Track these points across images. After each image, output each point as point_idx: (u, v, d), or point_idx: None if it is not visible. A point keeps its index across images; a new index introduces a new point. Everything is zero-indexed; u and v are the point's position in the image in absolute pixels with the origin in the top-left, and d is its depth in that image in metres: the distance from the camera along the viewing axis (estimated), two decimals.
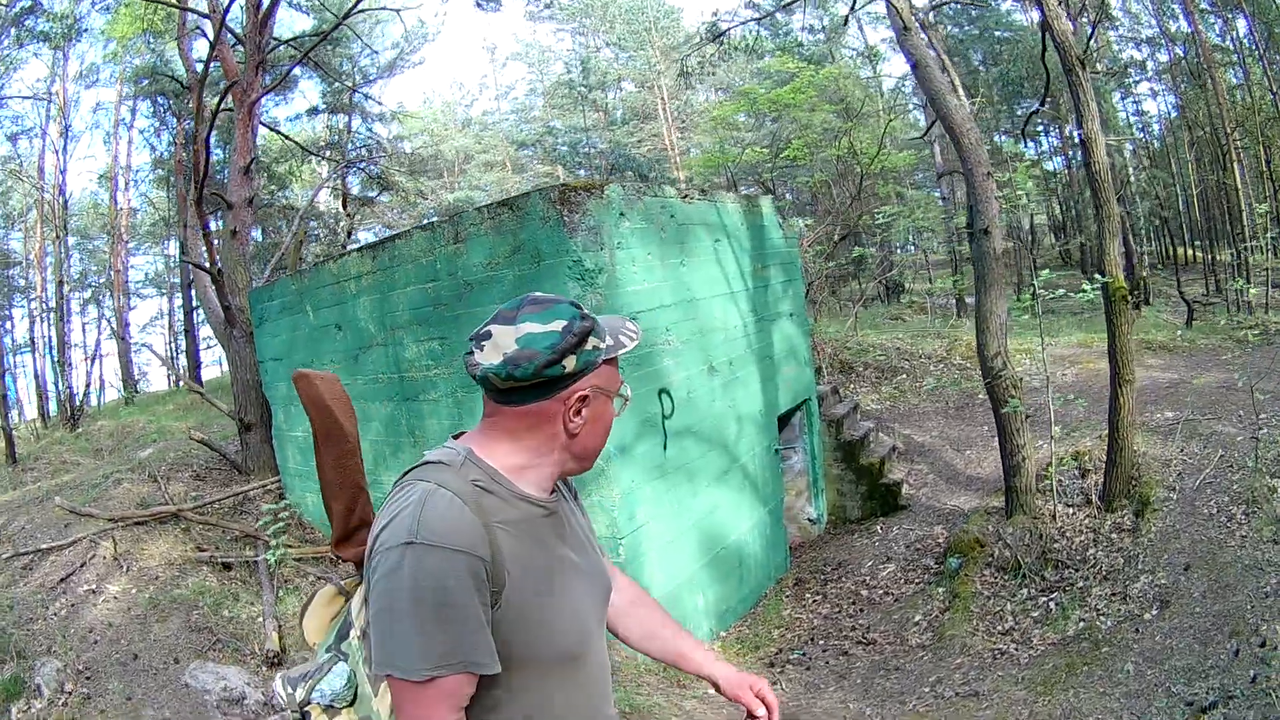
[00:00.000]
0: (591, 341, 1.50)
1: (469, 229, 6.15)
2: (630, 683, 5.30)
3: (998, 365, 7.09)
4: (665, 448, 6.01)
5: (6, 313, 26.68)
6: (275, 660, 5.79)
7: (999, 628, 5.92)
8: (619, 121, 37.49)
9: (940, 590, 6.69)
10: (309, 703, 1.57)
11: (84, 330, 30.47)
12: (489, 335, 1.48)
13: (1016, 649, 5.56)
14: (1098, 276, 6.79)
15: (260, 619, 6.37)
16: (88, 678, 5.64)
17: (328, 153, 22.68)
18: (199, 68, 11.21)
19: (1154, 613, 5.24)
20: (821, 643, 6.55)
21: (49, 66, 22.17)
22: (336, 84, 22.75)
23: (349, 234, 22.66)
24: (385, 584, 1.33)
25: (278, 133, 18.77)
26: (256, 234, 22.89)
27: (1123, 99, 28.81)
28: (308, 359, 8.38)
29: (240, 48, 11.35)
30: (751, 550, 7.35)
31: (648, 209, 6.11)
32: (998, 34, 26.39)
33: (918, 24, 7.93)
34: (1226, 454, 6.63)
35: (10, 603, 6.78)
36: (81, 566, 7.32)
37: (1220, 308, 15.22)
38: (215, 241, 10.61)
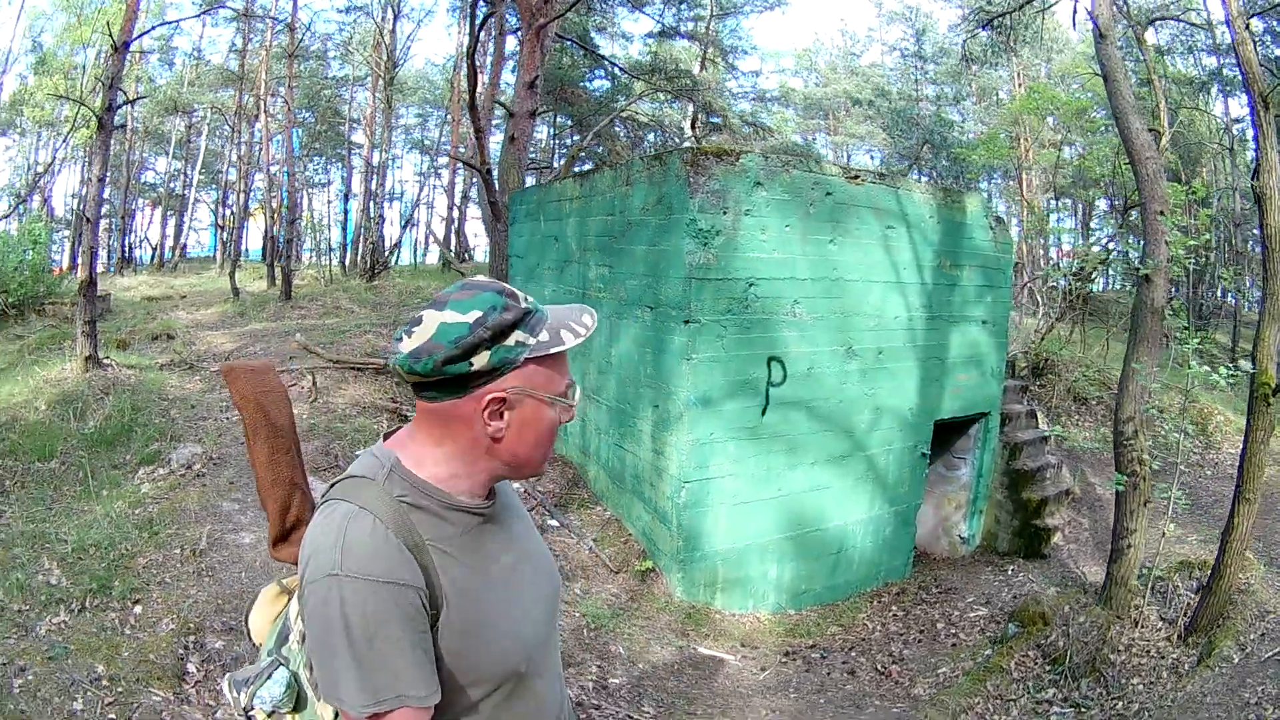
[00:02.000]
0: (514, 337, 1.45)
1: (635, 174, 7.20)
2: None
3: (1128, 432, 6.73)
4: (764, 412, 6.70)
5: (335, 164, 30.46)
6: None
7: (992, 717, 5.88)
8: (948, 97, 38.07)
9: (988, 654, 6.68)
10: (252, 709, 1.59)
11: (416, 194, 34.83)
12: (419, 320, 1.46)
13: None
14: (1244, 364, 6.19)
15: None
16: (214, 464, 7.36)
17: (652, 76, 24.23)
18: None
19: None
20: (854, 655, 6.84)
21: None
22: (686, 10, 24.13)
23: None
24: (317, 618, 1.35)
25: (586, 48, 20.51)
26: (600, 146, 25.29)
27: None
28: (536, 262, 9.93)
29: None
30: (858, 543, 7.81)
31: (794, 182, 6.72)
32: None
33: (1118, 34, 7.55)
34: None
35: (196, 402, 8.88)
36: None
37: None
38: (487, 143, 12.27)
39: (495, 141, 18.94)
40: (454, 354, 1.40)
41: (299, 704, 1.58)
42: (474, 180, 23.91)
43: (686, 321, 6.27)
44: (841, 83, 45.06)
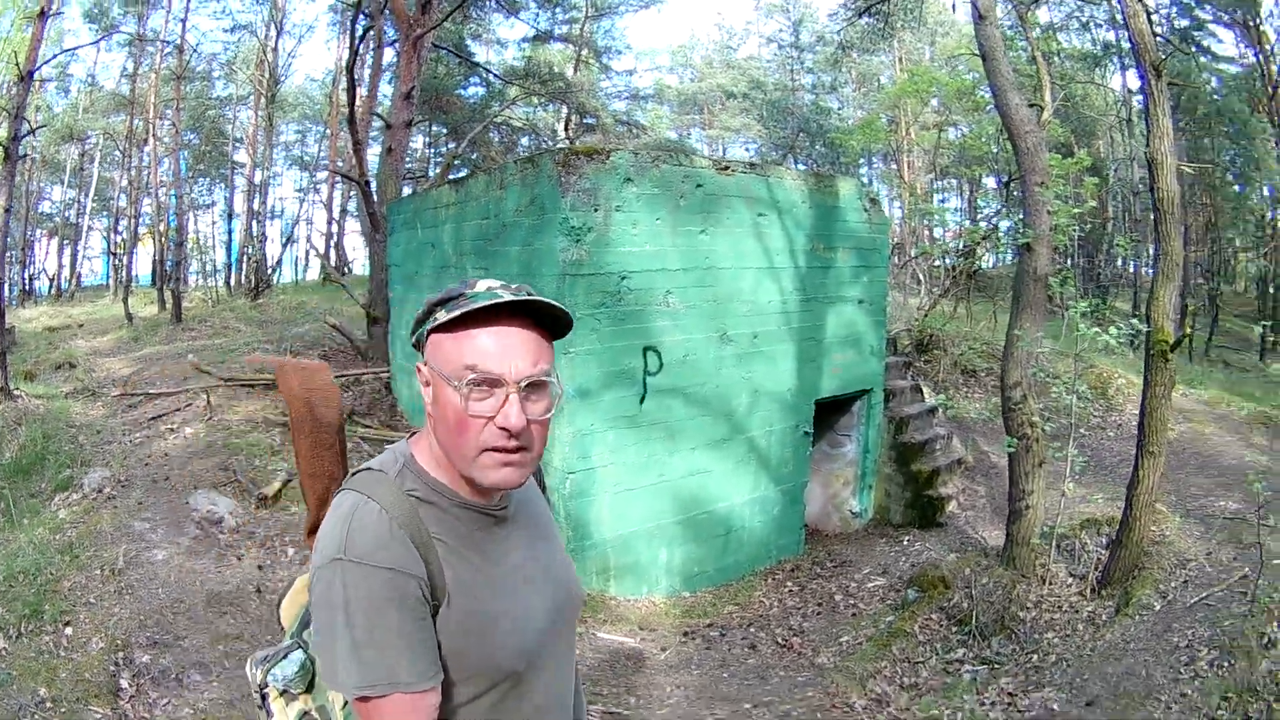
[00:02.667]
0: (437, 312, 1.48)
1: (509, 178, 7.45)
2: None
3: (1015, 396, 7.06)
4: (643, 401, 6.97)
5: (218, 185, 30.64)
6: (265, 502, 7.43)
7: (902, 679, 6.03)
8: (825, 86, 39.58)
9: (890, 620, 6.88)
10: (266, 685, 1.66)
11: (297, 211, 35.14)
12: None
13: (876, 708, 5.60)
14: (1137, 324, 6.57)
15: (280, 470, 8.00)
16: (122, 486, 7.52)
17: (526, 80, 24.71)
18: None
19: None
20: (753, 630, 7.07)
21: None
22: (561, 13, 24.65)
23: None
24: (321, 601, 1.40)
25: (461, 56, 20.90)
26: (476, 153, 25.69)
27: None
28: (414, 269, 10.14)
29: None
30: (747, 524, 8.13)
31: (665, 176, 7.00)
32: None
33: (1000, 15, 7.89)
34: (1253, 577, 5.85)
35: (101, 428, 9.04)
36: (175, 412, 9.49)
37: None
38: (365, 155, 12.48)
39: (373, 153, 19.29)
40: (411, 329, 1.54)
41: (312, 686, 1.66)
42: (352, 193, 24.22)
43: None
44: (717, 77, 46.36)
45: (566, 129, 26.34)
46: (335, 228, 31.20)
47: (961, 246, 14.73)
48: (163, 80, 24.13)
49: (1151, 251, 7.08)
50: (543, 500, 1.82)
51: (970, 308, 16.59)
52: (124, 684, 4.79)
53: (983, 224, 18.00)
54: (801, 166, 31.38)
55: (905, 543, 8.60)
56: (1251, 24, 23.24)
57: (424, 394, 1.52)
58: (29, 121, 11.12)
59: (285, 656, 1.68)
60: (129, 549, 6.29)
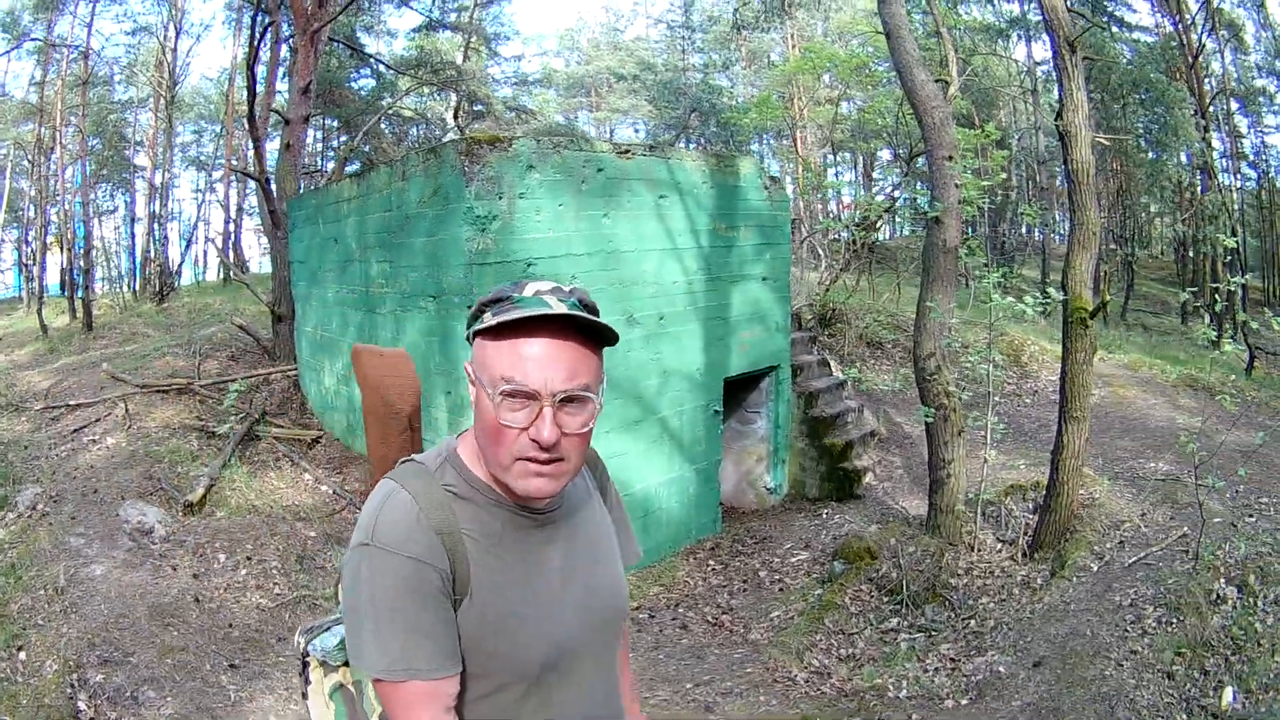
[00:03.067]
0: (485, 315, 1.49)
1: (410, 169, 7.46)
2: None
3: (930, 367, 7.30)
4: None
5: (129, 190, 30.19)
6: (190, 509, 7.47)
7: (838, 651, 6.15)
8: (717, 65, 40.46)
9: (818, 593, 7.03)
10: (308, 654, 1.76)
11: (199, 210, 34.88)
12: None
13: (819, 680, 5.79)
14: (1053, 293, 6.90)
15: (201, 475, 7.98)
16: (54, 501, 7.51)
17: (418, 70, 24.72)
18: None
19: (960, 701, 5.22)
20: (682, 611, 7.22)
21: None
22: (450, 1, 24.76)
23: None
24: (348, 584, 1.47)
25: (352, 48, 20.80)
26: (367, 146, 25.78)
27: (1251, 127, 29.33)
28: (317, 265, 10.11)
29: None
30: (664, 505, 8.29)
31: (566, 162, 7.10)
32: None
33: None
34: (1192, 535, 6.00)
35: (26, 444, 8.97)
36: (96, 422, 9.43)
37: None
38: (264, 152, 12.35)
39: (271, 149, 19.28)
40: (467, 323, 1.56)
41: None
42: (249, 191, 23.87)
43: (470, 307, 6.55)
44: (605, 59, 46.76)
45: (456, 117, 26.28)
46: (232, 227, 30.89)
47: (859, 219, 15.02)
48: (68, 86, 23.99)
49: (1059, 219, 7.35)
50: (599, 510, 1.80)
51: (872, 281, 16.96)
52: (82, 705, 4.85)
53: (880, 197, 18.37)
54: (693, 147, 31.71)
55: (824, 516, 8.81)
56: None
57: (469, 392, 1.53)
58: None
59: (328, 629, 1.78)
60: (68, 566, 6.30)
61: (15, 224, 37.12)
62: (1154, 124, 23.46)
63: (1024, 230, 32.12)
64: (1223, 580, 5.27)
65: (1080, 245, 6.70)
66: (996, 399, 9.89)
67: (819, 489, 9.50)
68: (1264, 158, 30.39)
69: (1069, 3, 6.97)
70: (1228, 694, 4.52)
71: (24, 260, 32.40)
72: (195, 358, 11.74)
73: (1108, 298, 8.67)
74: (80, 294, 20.57)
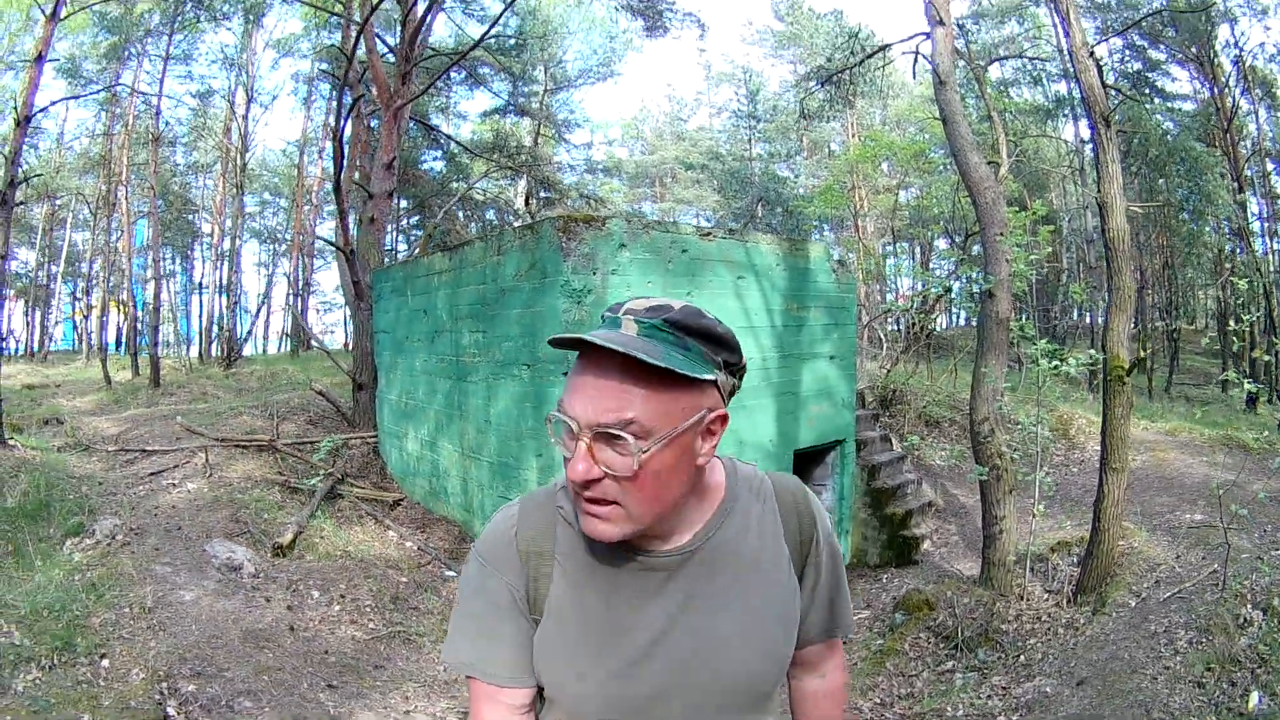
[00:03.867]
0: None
1: (507, 244, 8.14)
2: None
3: (984, 431, 7.86)
4: None
5: (188, 256, 31.35)
6: (280, 551, 7.99)
7: (898, 690, 6.50)
8: (780, 154, 41.45)
9: (879, 643, 7.43)
10: None
11: (267, 283, 36.11)
12: None
13: (882, 709, 6.23)
14: (1092, 352, 7.41)
15: (289, 523, 8.55)
16: (135, 534, 7.96)
17: (494, 154, 25.79)
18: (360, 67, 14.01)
19: (1010, 717, 5.62)
20: None
21: (237, 36, 27.06)
22: (525, 88, 25.77)
23: None
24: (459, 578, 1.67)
25: (433, 129, 21.83)
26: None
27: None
28: (404, 335, 10.75)
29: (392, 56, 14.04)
30: None
31: (654, 242, 7.77)
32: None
33: (956, 79, 8.72)
34: (1223, 570, 6.55)
35: (103, 480, 9.52)
36: (175, 468, 10.02)
37: None
38: (352, 225, 13.12)
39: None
40: None
41: None
42: (319, 267, 24.70)
43: (565, 374, 7.15)
44: (669, 149, 48.12)
45: (527, 202, 27.32)
46: (298, 301, 31.90)
47: (919, 304, 15.59)
48: (135, 143, 24.84)
49: (1107, 296, 7.85)
50: (773, 568, 1.63)
51: (930, 366, 17.51)
52: (171, 711, 5.11)
53: (940, 280, 19.01)
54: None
55: (884, 580, 9.20)
56: (1206, 59, 24.34)
57: None
58: (24, 169, 11.72)
59: None
60: (155, 589, 6.70)
61: (70, 277, 38.50)
62: (1192, 193, 23.88)
63: (1075, 314, 32.45)
64: (1249, 605, 5.79)
65: (1117, 308, 7.26)
66: (1046, 469, 10.35)
67: (879, 555, 9.93)
68: None
69: (1110, 78, 7.52)
70: (1254, 698, 4.97)
71: (75, 312, 33.67)
72: (272, 419, 12.44)
73: (1144, 354, 9.14)
74: (146, 350, 21.44)
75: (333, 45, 24.50)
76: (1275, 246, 28.45)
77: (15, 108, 10.71)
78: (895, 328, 19.14)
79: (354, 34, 13.13)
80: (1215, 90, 24.43)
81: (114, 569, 7.02)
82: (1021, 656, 6.51)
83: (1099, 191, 7.35)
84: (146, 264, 25.98)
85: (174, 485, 9.49)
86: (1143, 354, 8.44)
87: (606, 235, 7.41)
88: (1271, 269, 25.90)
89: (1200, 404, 19.97)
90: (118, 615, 6.18)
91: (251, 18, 25.77)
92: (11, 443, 10.44)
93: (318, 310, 35.87)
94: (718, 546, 1.57)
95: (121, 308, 24.08)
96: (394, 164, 13.49)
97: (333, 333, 37.42)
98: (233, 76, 28.70)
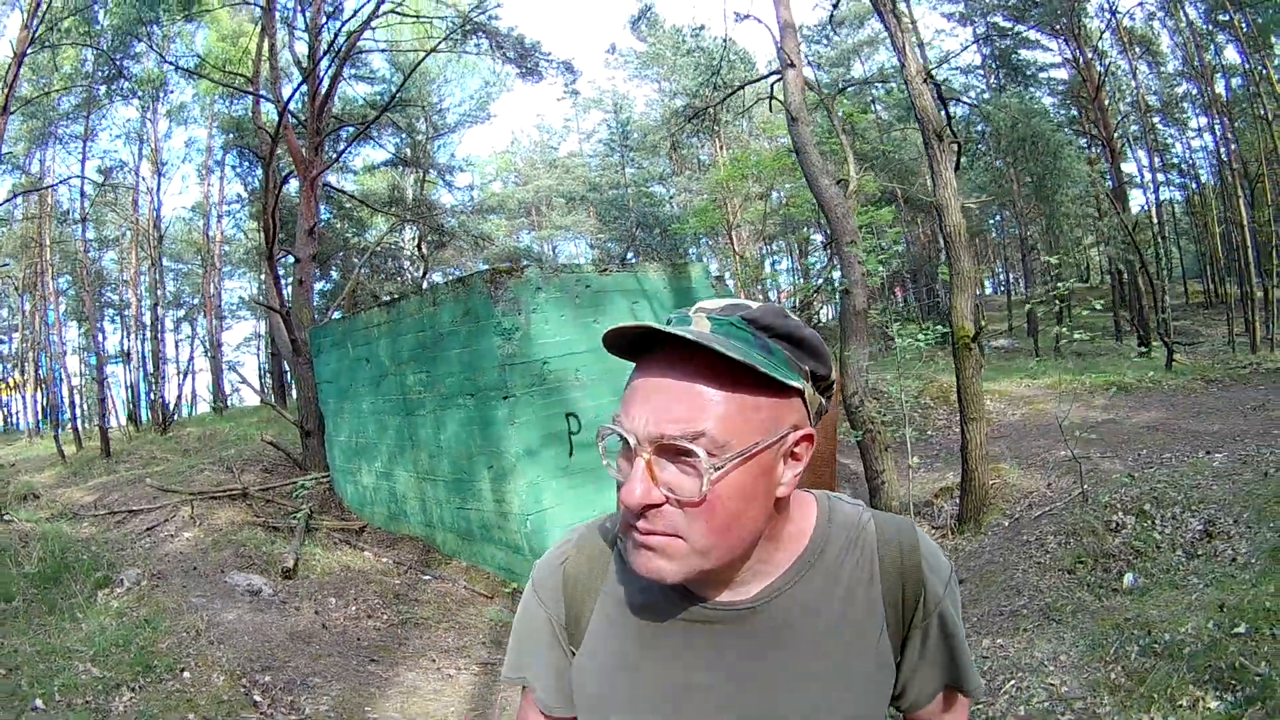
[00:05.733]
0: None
1: (441, 296, 9.85)
2: None
3: (855, 402, 9.70)
4: (571, 454, 9.32)
5: (99, 326, 32.36)
6: (288, 575, 9.44)
7: None
8: (653, 175, 43.41)
9: None
10: None
11: (177, 346, 38.16)
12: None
13: None
14: (939, 327, 9.23)
15: (286, 552, 9.95)
16: (158, 578, 9.05)
17: (392, 208, 27.85)
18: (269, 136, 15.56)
19: None
20: None
21: (139, 111, 28.34)
22: (408, 139, 27.56)
23: (423, 275, 27.69)
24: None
25: (343, 193, 23.78)
26: (335, 274, 28.46)
27: (1179, 136, 31.83)
28: (349, 383, 12.32)
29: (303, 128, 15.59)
30: None
31: (564, 282, 9.56)
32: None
33: (806, 114, 10.51)
34: (1091, 490, 7.97)
35: (106, 540, 10.65)
36: (165, 522, 11.29)
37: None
38: (285, 288, 14.63)
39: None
40: None
41: None
42: (227, 327, 25.87)
43: (505, 397, 8.83)
44: (543, 178, 49.98)
45: (419, 247, 29.01)
46: (217, 363, 33.16)
47: (798, 303, 17.50)
48: (61, 223, 26.22)
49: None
50: (860, 634, 1.34)
51: None
52: (258, 698, 6.13)
53: (815, 280, 21.07)
54: (638, 259, 34.74)
55: None
56: (1072, 31, 26.49)
57: None
58: None
59: None
60: (201, 615, 7.58)
61: None
62: (1048, 171, 26.22)
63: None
64: (1121, 513, 7.09)
65: (959, 289, 9.04)
66: (930, 432, 12.44)
67: None
68: (1192, 166, 32.88)
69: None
70: (1128, 578, 6.17)
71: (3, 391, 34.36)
72: (231, 471, 13.87)
73: (983, 325, 11.12)
74: (88, 425, 23.05)
75: (235, 114, 26.03)
76: (1166, 196, 30.84)
77: None
78: None
79: (274, 112, 14.70)
80: (1082, 61, 26.59)
81: (156, 606, 7.84)
82: None
83: (935, 195, 9.10)
84: (63, 340, 27.25)
85: (172, 536, 10.72)
86: (982, 325, 10.33)
87: (526, 281, 9.17)
88: (1157, 220, 28.46)
89: (1093, 356, 22.27)
90: (179, 639, 7.01)
91: (159, 93, 27.21)
92: (8, 518, 11.42)
93: (230, 367, 36.96)
94: (790, 605, 1.32)
95: (41, 385, 25.21)
96: (314, 229, 15.02)
97: (239, 389, 38.52)
98: (135, 149, 29.86)
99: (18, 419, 39.30)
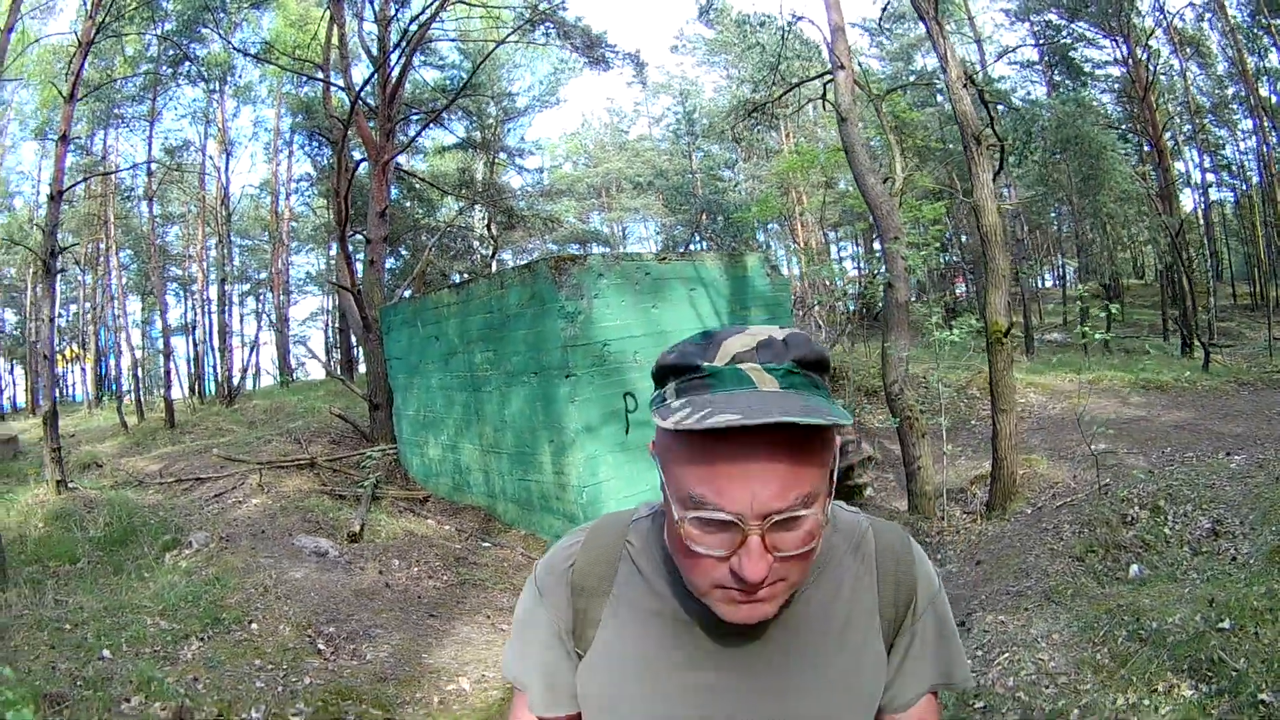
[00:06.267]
0: (667, 385, 1.23)
1: (509, 280, 10.50)
2: None
3: (895, 390, 10.24)
4: (628, 432, 9.92)
5: (163, 300, 33.39)
6: (354, 538, 10.03)
7: None
8: (720, 161, 44.22)
9: None
10: None
11: (242, 320, 38.84)
12: None
13: None
14: (973, 321, 9.65)
15: (353, 518, 10.56)
16: (227, 540, 9.52)
17: (462, 190, 28.60)
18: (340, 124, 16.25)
19: None
20: None
21: (205, 92, 29.23)
22: (478, 123, 28.16)
23: (493, 255, 28.39)
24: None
25: (413, 175, 24.42)
26: (405, 252, 29.32)
27: (1229, 138, 31.51)
28: (418, 359, 13.03)
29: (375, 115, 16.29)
30: None
31: (624, 269, 10.14)
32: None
33: (856, 114, 10.94)
34: (1112, 484, 8.40)
35: (173, 505, 11.32)
36: (232, 490, 11.96)
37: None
38: (356, 267, 15.31)
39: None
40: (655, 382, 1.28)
41: None
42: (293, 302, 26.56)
43: (567, 376, 9.45)
44: (613, 160, 50.45)
45: (488, 228, 29.55)
46: (284, 337, 34.06)
47: (858, 291, 17.94)
48: (125, 200, 27.01)
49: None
50: (854, 633, 1.39)
51: (868, 345, 20.02)
52: (321, 646, 6.67)
53: (878, 274, 21.56)
54: (705, 244, 35.96)
55: None
56: (1124, 30, 26.39)
57: (660, 476, 1.23)
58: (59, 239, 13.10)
59: None
60: (269, 574, 8.11)
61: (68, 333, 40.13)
62: (1091, 172, 26.39)
63: None
64: (1136, 507, 7.43)
65: (993, 286, 9.44)
66: (972, 422, 12.91)
67: None
68: (1242, 167, 32.49)
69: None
70: (1134, 569, 6.50)
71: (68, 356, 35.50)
72: (299, 443, 14.62)
73: (1015, 321, 11.58)
74: (149, 396, 23.43)
75: (304, 97, 26.89)
76: (1216, 196, 30.63)
77: (50, 184, 12.25)
78: (831, 310, 21.78)
79: (343, 96, 15.39)
80: (1132, 61, 26.54)
81: (224, 566, 8.36)
82: (938, 555, 8.65)
83: (973, 196, 9.49)
84: (125, 313, 28.55)
85: (240, 503, 11.33)
86: (1015, 319, 10.79)
87: (588, 268, 9.78)
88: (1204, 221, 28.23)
89: (1138, 354, 22.28)
90: (246, 595, 7.47)
91: (226, 75, 28.07)
92: (73, 486, 11.94)
93: (296, 342, 37.93)
94: (800, 611, 1.35)
95: (100, 356, 26.11)
96: (386, 212, 15.73)
97: (305, 363, 39.38)
98: (202, 129, 30.76)
99: (74, 390, 40.42)
